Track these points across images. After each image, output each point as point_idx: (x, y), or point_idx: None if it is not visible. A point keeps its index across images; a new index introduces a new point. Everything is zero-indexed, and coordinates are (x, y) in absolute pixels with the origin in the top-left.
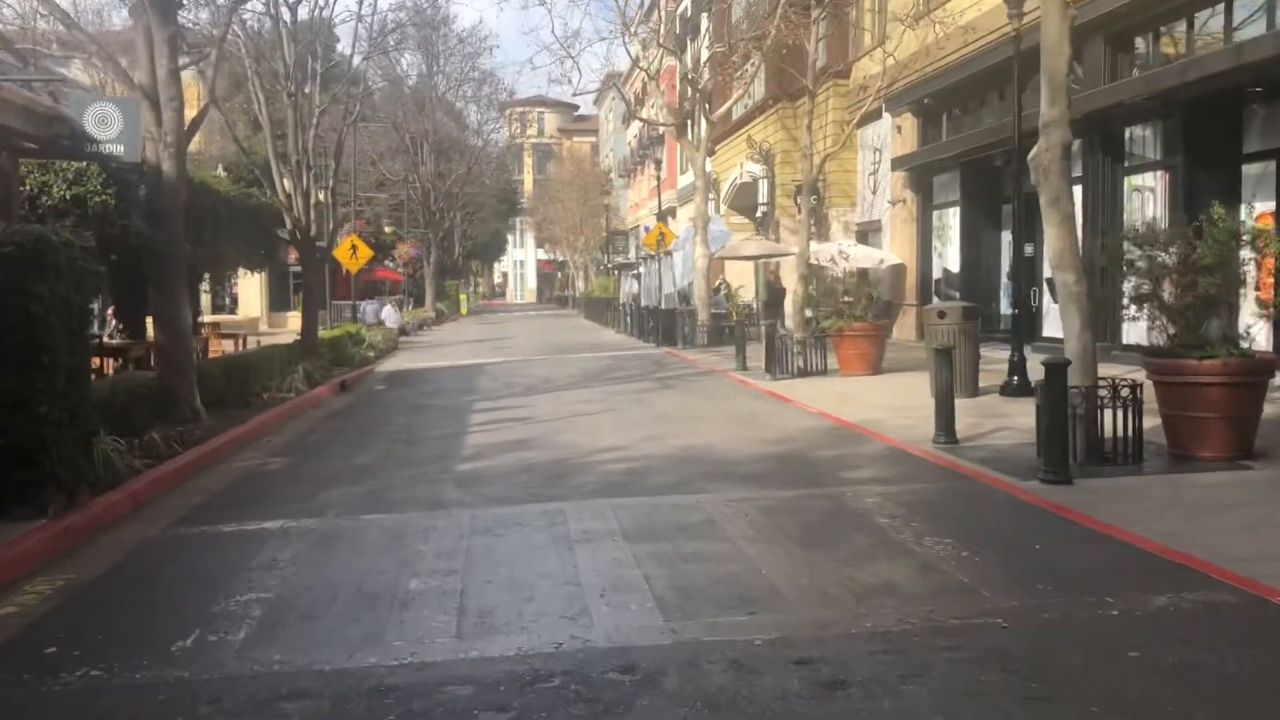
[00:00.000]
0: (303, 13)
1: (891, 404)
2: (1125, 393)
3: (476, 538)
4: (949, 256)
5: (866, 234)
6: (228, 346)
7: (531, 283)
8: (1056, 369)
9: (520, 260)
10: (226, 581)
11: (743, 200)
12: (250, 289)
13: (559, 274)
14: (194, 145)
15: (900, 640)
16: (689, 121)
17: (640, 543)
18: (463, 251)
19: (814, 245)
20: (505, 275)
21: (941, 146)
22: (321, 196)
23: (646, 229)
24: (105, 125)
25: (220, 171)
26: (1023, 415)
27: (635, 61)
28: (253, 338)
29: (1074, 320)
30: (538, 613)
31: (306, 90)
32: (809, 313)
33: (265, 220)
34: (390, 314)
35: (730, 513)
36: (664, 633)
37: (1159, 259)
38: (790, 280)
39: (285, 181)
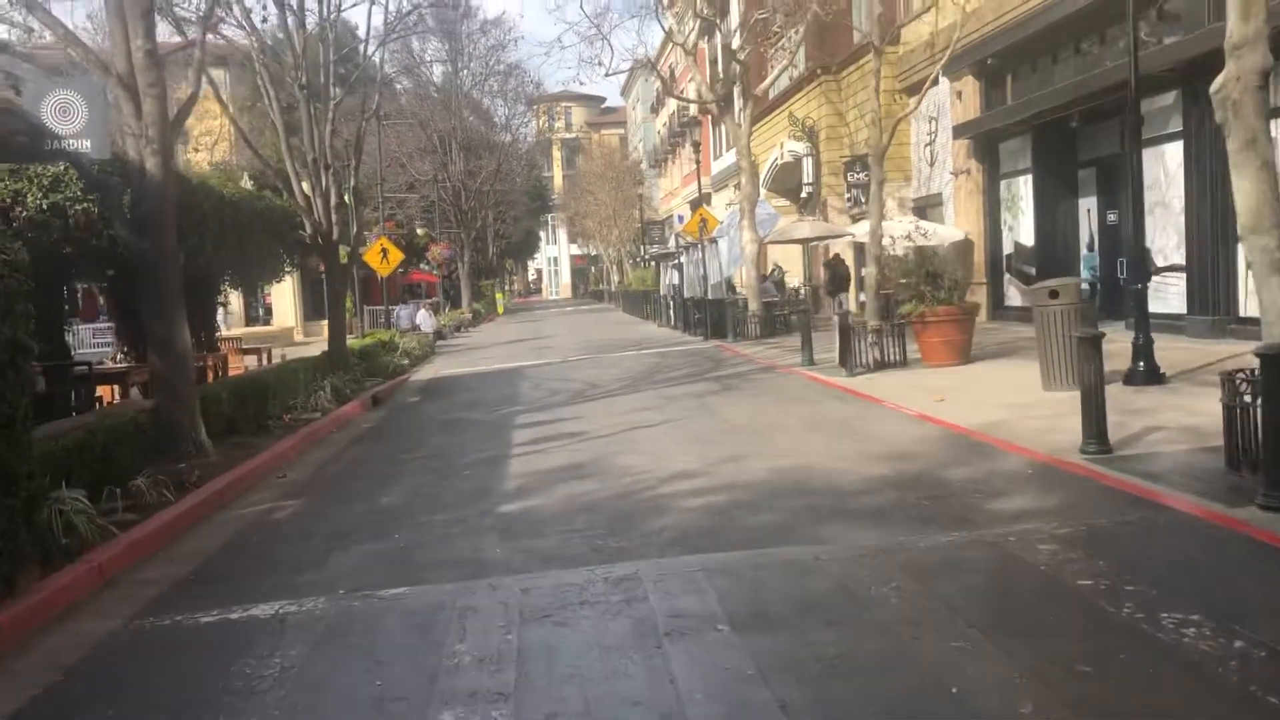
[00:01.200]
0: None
1: (1003, 401)
2: None
3: (530, 628)
4: (1021, 229)
5: (924, 209)
6: (251, 363)
7: (566, 278)
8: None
9: (553, 257)
10: None
11: (784, 182)
12: (283, 298)
13: (593, 268)
14: (219, 154)
15: None
16: (730, 97)
17: (756, 634)
18: (496, 251)
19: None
20: (539, 272)
21: (1011, 110)
22: (347, 198)
23: (681, 218)
24: (67, 117)
25: (247, 182)
26: (1168, 410)
27: (669, 35)
28: (284, 350)
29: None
30: None
31: (321, 81)
32: (863, 298)
33: (279, 224)
34: (425, 318)
35: (867, 576)
36: None
37: None
38: (854, 261)
39: (304, 184)
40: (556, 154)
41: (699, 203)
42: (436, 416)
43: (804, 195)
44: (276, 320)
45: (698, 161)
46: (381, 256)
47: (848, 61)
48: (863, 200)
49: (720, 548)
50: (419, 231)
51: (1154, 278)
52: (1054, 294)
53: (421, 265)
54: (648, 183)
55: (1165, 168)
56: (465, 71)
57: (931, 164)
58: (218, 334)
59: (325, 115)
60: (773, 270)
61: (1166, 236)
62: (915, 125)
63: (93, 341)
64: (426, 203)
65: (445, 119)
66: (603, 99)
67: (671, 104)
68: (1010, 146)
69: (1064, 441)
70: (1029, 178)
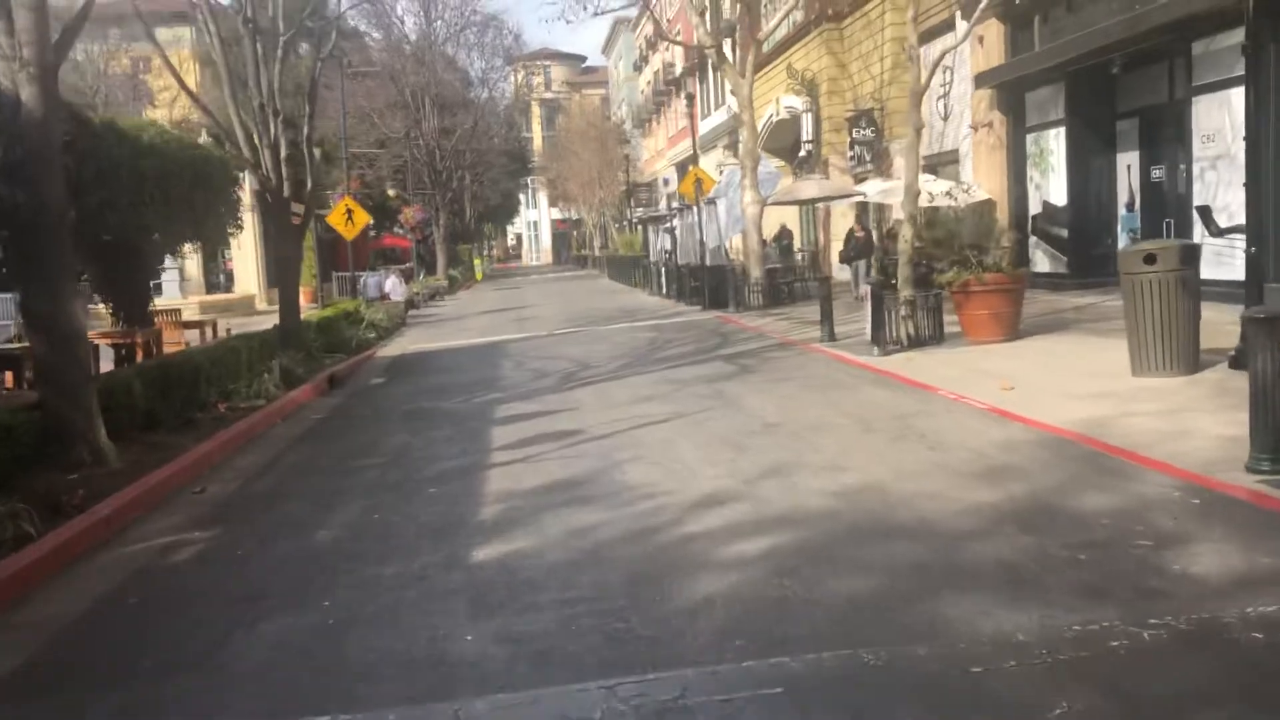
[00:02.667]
0: None
1: (1088, 390)
2: None
3: None
4: (1050, 187)
5: (936, 167)
6: (194, 338)
7: (546, 243)
8: None
9: (534, 221)
10: None
11: (779, 140)
12: (246, 264)
13: (575, 233)
14: (180, 111)
15: None
16: (729, 42)
17: None
18: (474, 214)
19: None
20: (519, 237)
21: (1042, 55)
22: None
23: (667, 180)
24: None
25: (206, 139)
26: None
27: None
28: (241, 321)
29: None
30: None
31: (270, 15)
32: (869, 265)
33: (217, 178)
34: (395, 286)
35: (1062, 712)
36: None
37: None
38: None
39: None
40: (536, 113)
41: (687, 164)
42: (401, 404)
43: (802, 154)
44: (239, 288)
45: (691, 116)
46: (346, 218)
47: (853, 7)
48: (867, 158)
49: (803, 642)
50: (389, 193)
51: (1215, 239)
52: (1150, 258)
53: (395, 229)
54: (632, 143)
55: (1231, 117)
56: (439, 22)
57: (945, 118)
58: (151, 306)
59: (274, 55)
60: (778, 234)
61: (1231, 193)
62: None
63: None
64: (399, 162)
65: (418, 73)
66: (583, 58)
67: (656, 61)
68: (1039, 96)
69: (1209, 452)
70: (1061, 131)
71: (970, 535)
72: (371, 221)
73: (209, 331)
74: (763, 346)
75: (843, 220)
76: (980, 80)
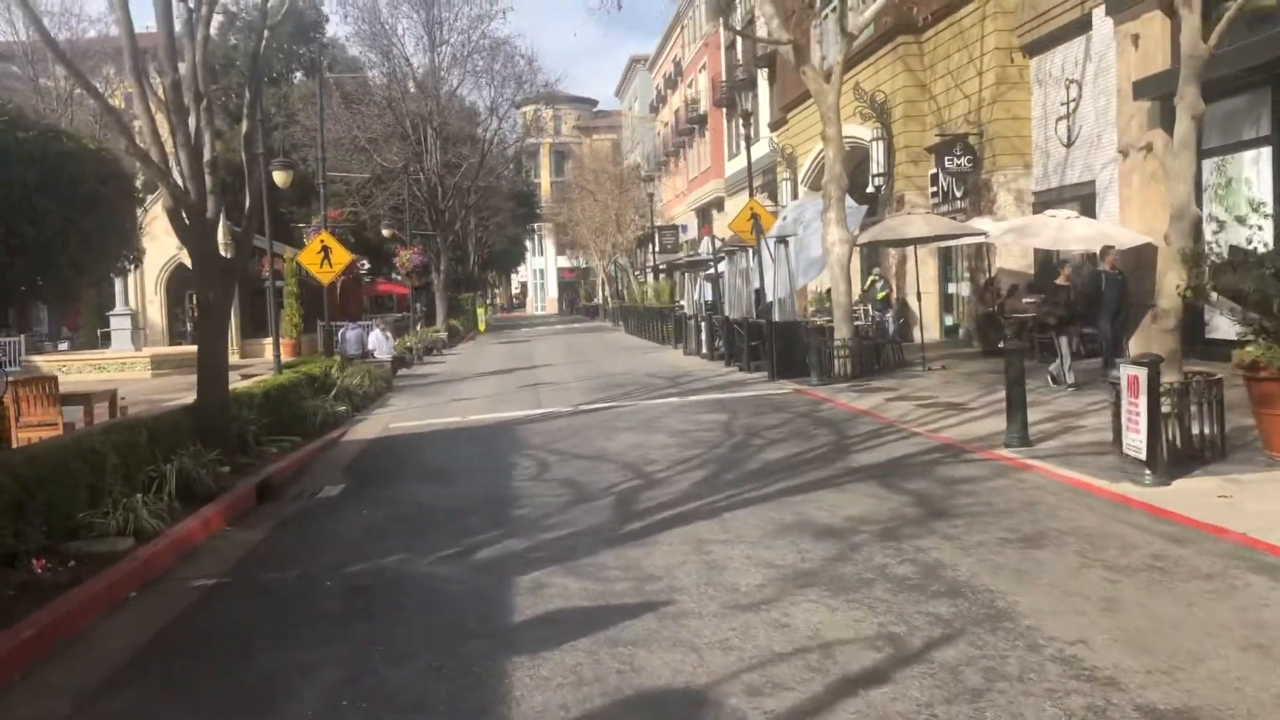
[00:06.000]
0: None
1: None
2: None
3: None
4: (1239, 227)
5: (1049, 205)
6: (79, 416)
7: (553, 292)
8: None
9: (540, 269)
10: None
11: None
12: None
13: (582, 282)
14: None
15: None
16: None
17: None
18: (478, 260)
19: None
20: (524, 285)
21: (1242, 51)
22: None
23: (685, 228)
24: None
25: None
26: None
27: None
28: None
29: None
30: None
31: None
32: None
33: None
34: (380, 341)
35: None
36: None
37: None
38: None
39: (158, 121)
40: (546, 157)
41: (709, 209)
42: (352, 558)
43: (871, 189)
44: None
45: (747, 139)
46: (322, 258)
47: (939, 16)
48: (957, 194)
49: None
50: (384, 232)
51: None
52: None
53: (393, 275)
54: (654, 182)
55: None
56: (445, 46)
57: (1069, 143)
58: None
59: (200, 14)
60: (872, 281)
61: None
62: (1040, 94)
63: None
64: (396, 200)
65: (420, 101)
66: (594, 101)
67: (674, 100)
68: (1225, 109)
69: None
70: (1263, 153)
71: None
72: (357, 260)
73: (105, 407)
74: (918, 452)
75: (923, 268)
76: (1141, 90)
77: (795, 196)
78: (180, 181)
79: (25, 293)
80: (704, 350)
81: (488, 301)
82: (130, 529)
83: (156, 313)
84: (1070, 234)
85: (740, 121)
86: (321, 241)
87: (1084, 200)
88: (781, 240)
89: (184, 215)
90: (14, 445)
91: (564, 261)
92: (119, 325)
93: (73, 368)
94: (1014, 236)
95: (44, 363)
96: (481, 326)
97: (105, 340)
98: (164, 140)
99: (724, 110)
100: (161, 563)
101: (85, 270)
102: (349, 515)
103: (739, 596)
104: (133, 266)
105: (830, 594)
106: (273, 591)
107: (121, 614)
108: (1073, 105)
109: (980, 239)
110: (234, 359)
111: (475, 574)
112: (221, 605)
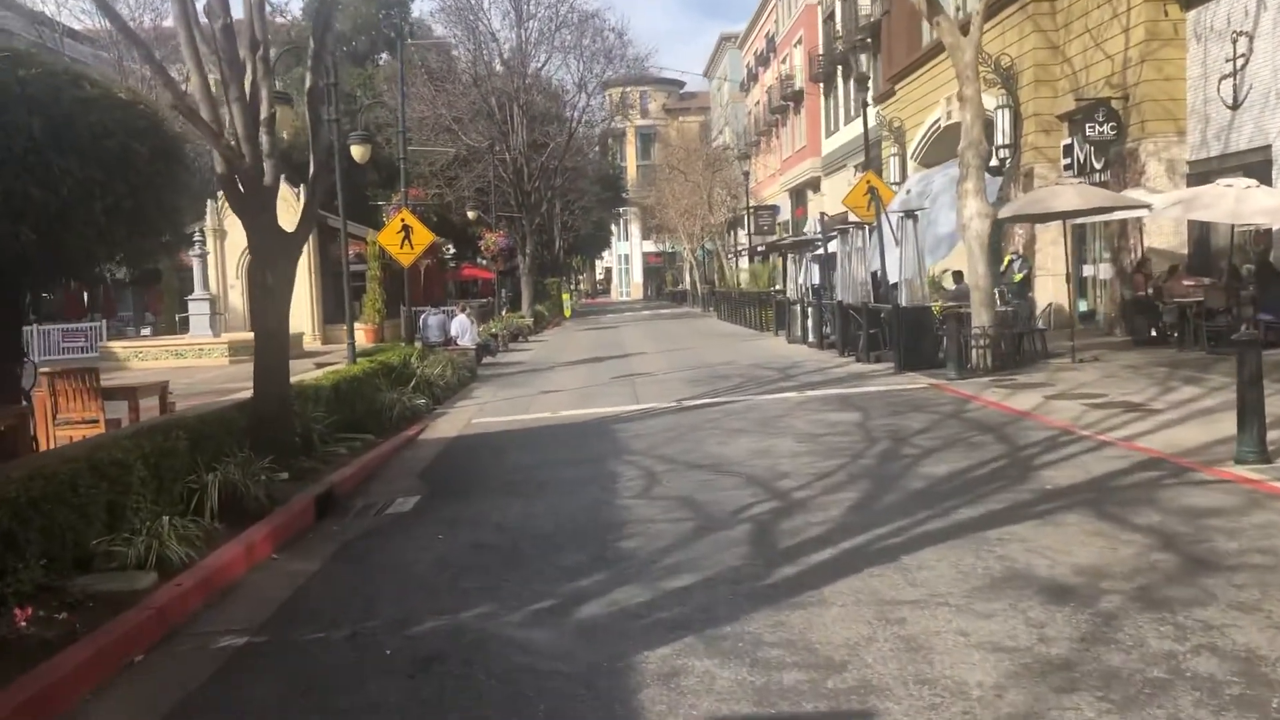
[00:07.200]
0: None
1: None
2: None
3: None
4: None
5: (1207, 176)
6: (123, 413)
7: (638, 277)
8: None
9: (624, 254)
10: None
11: (940, 153)
12: (298, 292)
13: (669, 267)
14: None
15: None
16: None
17: None
18: (563, 245)
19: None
20: (608, 271)
21: None
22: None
23: (777, 209)
24: None
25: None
26: None
27: None
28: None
29: None
30: None
31: None
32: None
33: (136, 147)
34: (464, 327)
35: None
36: None
37: None
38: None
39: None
40: (632, 140)
41: (803, 189)
42: (421, 610)
43: (994, 164)
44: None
45: (866, 104)
46: (402, 238)
47: None
48: (1097, 165)
49: None
50: (469, 215)
51: None
52: None
53: (478, 260)
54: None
55: None
56: (533, 22)
57: (1235, 105)
58: (26, 358)
59: None
60: (1009, 261)
61: None
62: (1197, 51)
63: None
64: (481, 182)
65: (506, 79)
66: (681, 83)
67: (766, 79)
68: None
69: None
70: None
71: None
72: (442, 243)
73: (152, 402)
74: (1124, 469)
75: (1053, 248)
76: None
77: (904, 173)
78: (230, 138)
79: (39, 270)
80: (811, 338)
81: (572, 287)
82: (153, 560)
83: (238, 298)
84: (1252, 205)
85: (852, 87)
86: (402, 220)
87: (1253, 169)
88: (909, 215)
89: (238, 182)
90: (48, 446)
91: (649, 246)
92: (197, 310)
93: (149, 354)
94: (1181, 209)
95: (121, 348)
96: (567, 312)
97: (184, 326)
98: (215, 97)
99: (820, 85)
100: (186, 607)
101: (117, 245)
102: (421, 540)
103: (974, 708)
104: (197, 246)
105: (1113, 709)
106: (315, 660)
107: (120, 688)
108: (1241, 61)
109: (1141, 213)
110: (315, 345)
111: (580, 643)
112: (246, 680)
